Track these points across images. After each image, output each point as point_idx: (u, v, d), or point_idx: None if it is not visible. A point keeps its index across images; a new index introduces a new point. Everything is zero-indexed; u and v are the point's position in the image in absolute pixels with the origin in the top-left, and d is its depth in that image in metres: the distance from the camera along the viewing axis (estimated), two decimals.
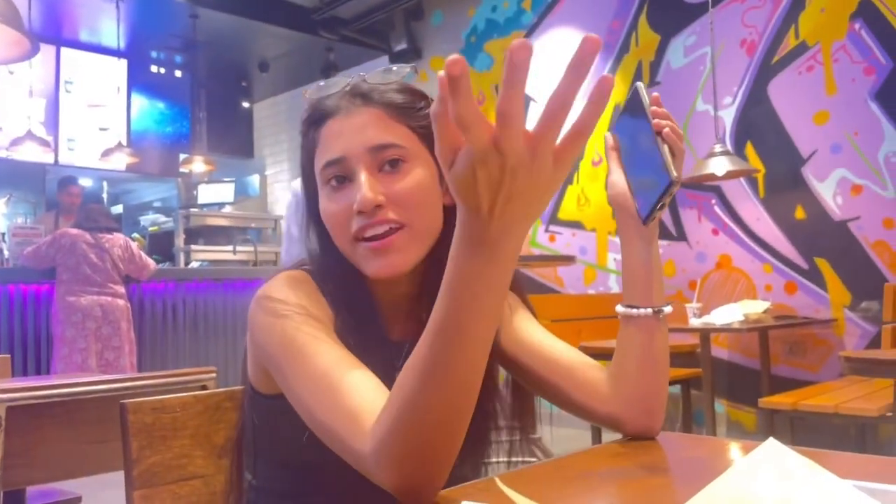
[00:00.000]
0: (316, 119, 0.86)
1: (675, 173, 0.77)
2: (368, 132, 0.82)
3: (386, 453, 0.63)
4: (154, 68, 7.11)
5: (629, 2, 4.65)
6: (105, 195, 7.60)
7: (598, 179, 4.62)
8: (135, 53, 6.76)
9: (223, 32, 6.17)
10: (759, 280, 4.04)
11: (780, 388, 3.30)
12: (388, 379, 0.72)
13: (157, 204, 8.02)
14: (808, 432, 3.07)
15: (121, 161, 5.88)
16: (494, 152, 0.52)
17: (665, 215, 4.38)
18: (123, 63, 6.69)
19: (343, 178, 0.82)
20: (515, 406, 0.95)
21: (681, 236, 4.37)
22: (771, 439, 0.55)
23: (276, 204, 7.64)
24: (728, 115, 4.15)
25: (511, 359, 0.92)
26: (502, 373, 0.94)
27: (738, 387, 4.07)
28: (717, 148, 3.59)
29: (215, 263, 5.84)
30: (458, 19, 5.71)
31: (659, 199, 0.79)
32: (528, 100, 5.20)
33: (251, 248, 5.93)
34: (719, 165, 3.54)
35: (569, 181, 4.79)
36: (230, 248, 5.93)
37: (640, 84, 0.87)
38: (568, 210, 4.88)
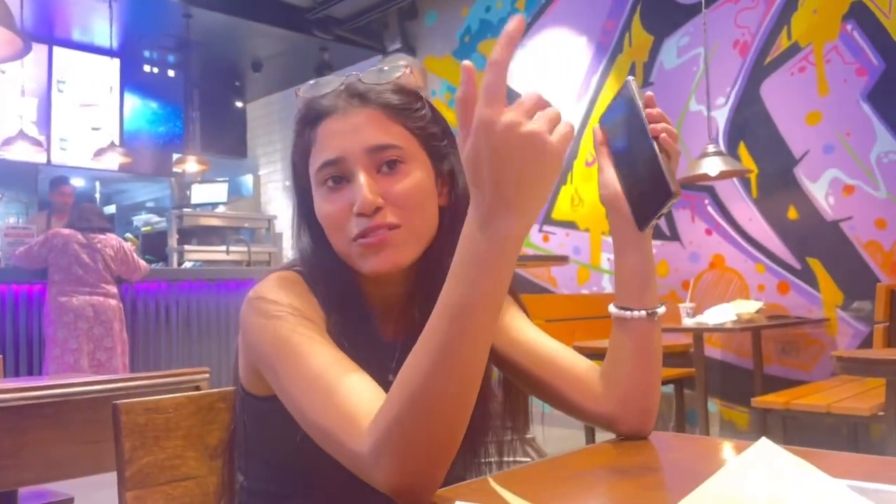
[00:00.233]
0: (312, 118, 0.85)
1: (674, 188, 0.75)
2: (367, 132, 0.82)
3: (386, 449, 0.63)
4: (147, 68, 7.09)
5: (623, 2, 4.66)
6: (98, 195, 7.57)
7: (591, 179, 4.63)
8: (127, 53, 6.74)
9: (216, 32, 6.15)
10: (751, 280, 4.05)
11: (773, 388, 3.31)
12: (379, 380, 0.72)
13: (150, 204, 7.99)
14: (800, 432, 3.08)
15: (113, 161, 5.85)
16: (493, 127, 0.59)
17: None
18: (116, 62, 6.67)
19: (340, 178, 0.82)
20: (508, 406, 0.95)
21: (674, 236, 4.38)
22: (763, 439, 0.56)
23: (269, 204, 7.63)
24: (721, 116, 4.16)
25: (505, 358, 0.92)
26: (495, 372, 0.94)
27: (731, 386, 4.09)
28: (710, 148, 3.61)
29: (208, 264, 5.83)
30: (451, 19, 5.71)
31: (656, 210, 0.78)
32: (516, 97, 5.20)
33: (244, 249, 5.92)
34: (712, 166, 3.55)
35: (562, 181, 4.79)
36: (223, 248, 5.91)
37: (631, 78, 0.83)
38: (561, 210, 4.89)
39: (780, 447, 0.54)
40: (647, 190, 0.78)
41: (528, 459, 1.37)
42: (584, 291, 4.81)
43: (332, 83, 0.85)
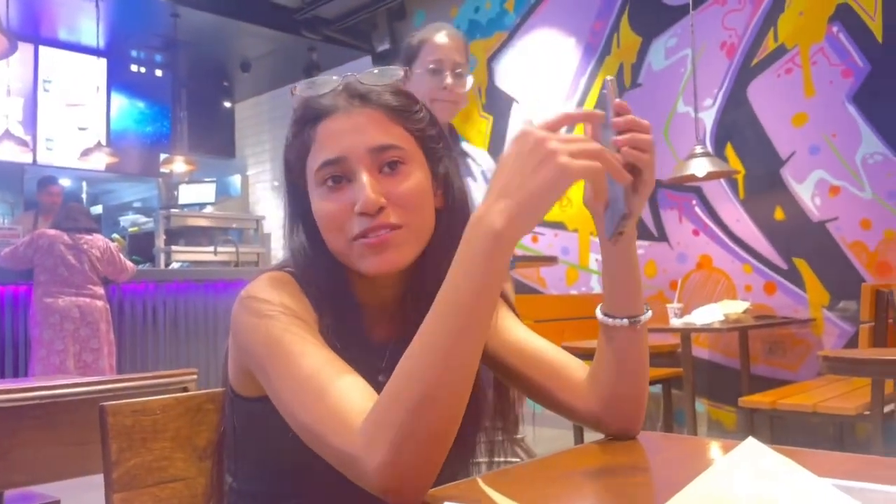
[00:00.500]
0: (311, 117, 0.84)
1: (627, 207, 0.73)
2: (369, 133, 0.82)
3: (381, 443, 0.63)
4: (134, 67, 7.05)
5: (611, 3, 4.67)
6: (84, 195, 7.52)
7: (580, 181, 4.63)
8: (114, 52, 6.70)
9: (204, 32, 6.13)
10: (739, 280, 4.07)
11: (760, 388, 3.33)
12: (370, 381, 0.72)
13: (137, 204, 7.95)
14: (787, 431, 3.10)
15: (100, 161, 5.82)
16: (527, 137, 0.65)
17: (646, 215, 4.41)
18: (103, 62, 6.63)
19: (340, 177, 0.82)
20: (498, 406, 0.96)
21: (662, 237, 4.40)
22: (750, 438, 0.56)
23: (257, 204, 7.60)
24: (708, 117, 4.19)
25: (495, 357, 0.92)
26: (486, 372, 0.94)
27: (719, 386, 4.11)
28: (698, 149, 3.62)
29: (196, 264, 5.80)
30: (440, 20, 5.69)
31: (616, 226, 0.74)
32: (510, 100, 5.22)
33: (233, 249, 5.90)
34: (699, 166, 3.57)
35: None
36: (211, 248, 5.89)
37: (609, 80, 0.78)
38: (551, 211, 4.89)
39: (766, 447, 0.55)
40: (612, 195, 0.76)
41: (518, 460, 1.37)
42: (573, 292, 4.82)
43: (329, 83, 0.84)
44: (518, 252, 4.95)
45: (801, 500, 0.49)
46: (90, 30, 5.92)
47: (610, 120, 0.74)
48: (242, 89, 7.62)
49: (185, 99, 7.11)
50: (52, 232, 4.09)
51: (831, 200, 3.74)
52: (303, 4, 5.92)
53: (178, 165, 6.31)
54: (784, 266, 3.91)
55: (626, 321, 0.83)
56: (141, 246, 6.22)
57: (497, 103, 5.27)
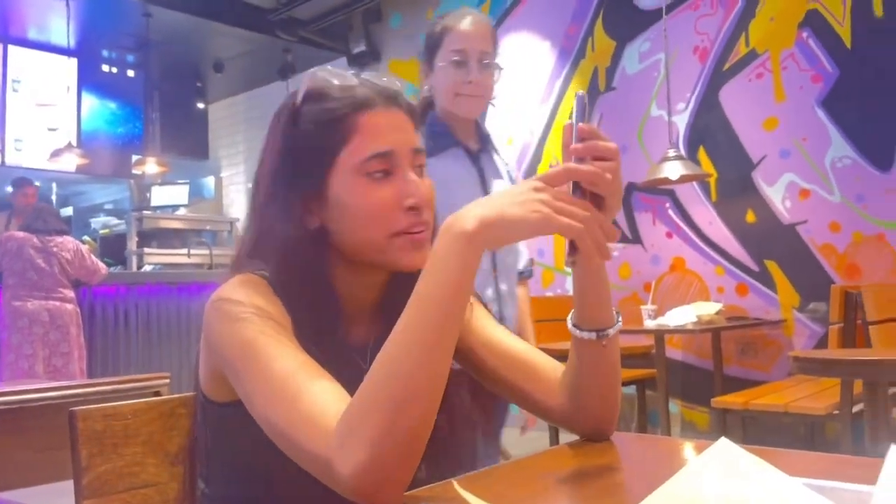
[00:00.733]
0: (350, 106, 0.83)
1: (570, 259, 0.72)
2: (410, 133, 0.86)
3: (356, 443, 0.63)
4: (105, 67, 6.95)
5: (586, 7, 4.71)
6: (54, 197, 7.40)
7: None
8: (85, 52, 6.60)
9: (177, 32, 6.06)
10: (711, 282, 4.12)
11: (733, 388, 3.37)
12: (348, 385, 0.72)
13: (108, 206, 7.84)
14: (759, 431, 3.14)
15: (70, 162, 5.73)
16: (530, 184, 0.69)
17: (620, 218, 4.44)
18: (73, 62, 6.53)
19: (388, 172, 0.83)
20: (475, 407, 0.96)
21: (636, 239, 4.43)
22: (723, 439, 0.57)
23: (231, 206, 7.54)
24: (681, 121, 4.23)
25: (471, 356, 0.93)
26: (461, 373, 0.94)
27: (692, 387, 4.15)
28: (671, 153, 3.66)
29: (169, 267, 5.73)
30: (416, 22, 5.71)
31: (569, 252, 0.72)
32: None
33: (206, 252, 5.84)
34: (673, 170, 3.61)
35: None
36: (185, 251, 5.83)
37: (579, 96, 0.75)
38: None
39: (738, 447, 0.55)
40: None
41: (494, 461, 1.37)
42: (549, 294, 4.85)
43: (346, 76, 0.86)
44: None
45: (773, 499, 0.50)
46: (60, 29, 5.83)
47: (572, 143, 0.73)
48: (216, 90, 7.55)
49: (158, 100, 7.03)
50: (21, 235, 4.03)
51: (801, 203, 3.80)
52: (277, 5, 5.89)
53: (151, 167, 6.24)
54: (756, 268, 3.97)
55: (594, 335, 0.84)
56: (112, 248, 6.13)
57: None
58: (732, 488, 0.51)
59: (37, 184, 5.55)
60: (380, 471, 0.63)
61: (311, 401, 0.69)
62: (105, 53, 6.86)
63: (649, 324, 3.50)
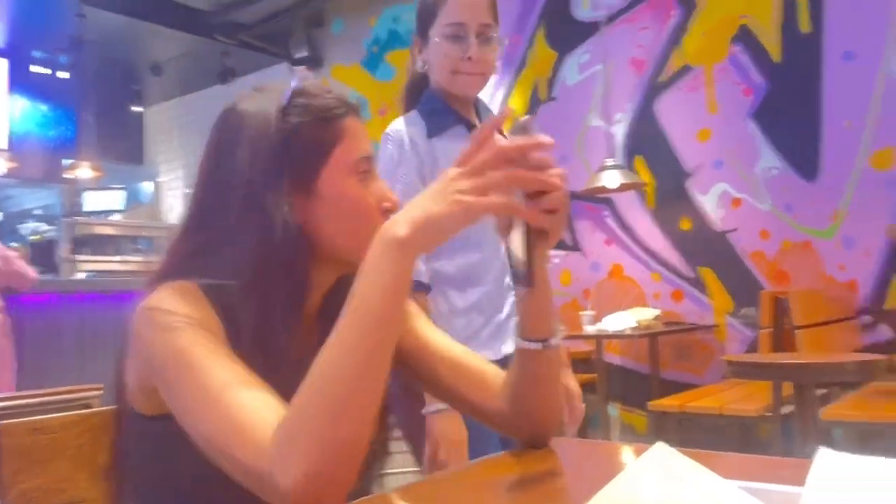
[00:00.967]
0: (346, 107, 0.87)
1: (523, 257, 0.73)
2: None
3: (294, 452, 0.62)
4: (37, 68, 6.71)
5: (527, 18, 4.77)
6: None
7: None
8: (16, 52, 6.37)
9: (112, 33, 5.89)
10: (648, 288, 4.21)
11: (669, 392, 3.45)
12: (287, 392, 0.70)
13: (38, 211, 7.55)
14: (695, 433, 3.22)
15: None
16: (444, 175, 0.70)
17: None
18: (3, 62, 6.30)
19: (368, 174, 0.87)
20: (410, 416, 0.96)
21: (575, 246, 4.50)
22: (659, 443, 0.58)
23: (170, 212, 7.35)
24: (619, 131, 4.32)
25: (409, 359, 0.93)
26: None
27: (630, 391, 4.23)
28: (609, 162, 3.74)
29: (104, 274, 5.55)
30: (359, 28, 5.69)
31: (513, 274, 0.76)
32: None
33: (143, 259, 5.69)
34: (611, 179, 3.69)
35: None
36: (120, 258, 5.66)
37: (523, 122, 0.74)
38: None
39: (674, 450, 0.57)
40: (511, 250, 0.76)
41: (416, 469, 1.36)
42: None
43: (320, 87, 0.89)
44: None
45: (707, 501, 0.51)
46: None
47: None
48: (153, 93, 7.36)
49: (92, 102, 6.81)
50: None
51: (733, 212, 3.92)
52: (217, 8, 5.78)
53: (84, 171, 6.04)
54: (691, 274, 4.08)
55: (539, 345, 0.85)
56: (43, 255, 5.89)
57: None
58: (669, 491, 0.52)
59: None
60: (320, 481, 0.62)
61: (246, 412, 0.67)
62: (37, 54, 6.63)
63: (589, 329, 3.55)
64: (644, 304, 4.04)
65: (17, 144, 6.28)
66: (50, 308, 4.46)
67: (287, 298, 0.81)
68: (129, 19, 5.58)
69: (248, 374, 0.72)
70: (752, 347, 3.75)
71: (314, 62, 5.91)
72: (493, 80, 1.62)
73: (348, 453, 0.64)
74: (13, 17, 5.67)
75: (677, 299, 4.11)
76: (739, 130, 3.89)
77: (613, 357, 4.27)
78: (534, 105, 4.65)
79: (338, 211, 0.83)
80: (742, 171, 3.89)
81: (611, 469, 0.68)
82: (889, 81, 3.45)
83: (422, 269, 1.37)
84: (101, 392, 1.61)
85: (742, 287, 3.87)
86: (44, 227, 6.57)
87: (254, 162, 0.82)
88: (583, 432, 3.96)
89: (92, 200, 6.76)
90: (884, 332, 3.43)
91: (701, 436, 3.28)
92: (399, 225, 0.68)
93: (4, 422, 0.83)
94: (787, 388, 2.65)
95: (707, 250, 4.01)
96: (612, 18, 4.32)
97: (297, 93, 0.85)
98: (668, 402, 3.05)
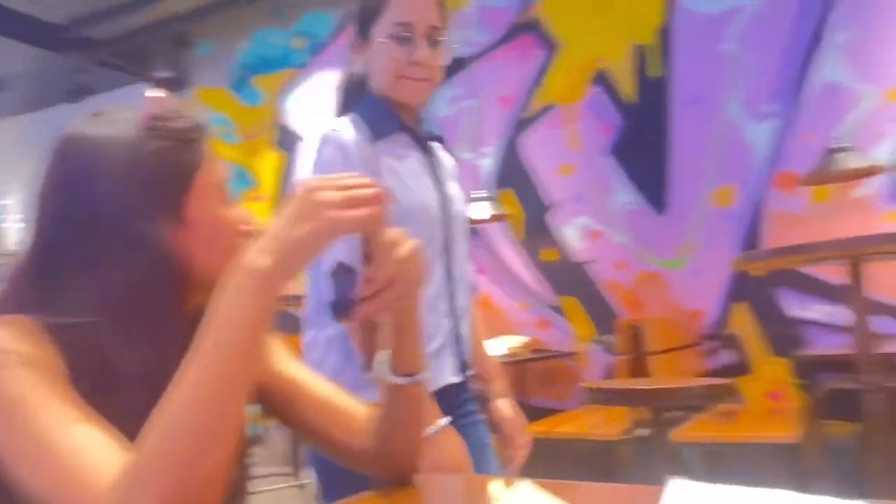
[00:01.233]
0: (203, 130, 0.84)
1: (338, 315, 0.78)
2: None
3: (142, 499, 0.57)
4: None
5: None
6: None
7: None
8: None
9: None
10: (515, 317, 4.33)
11: (536, 417, 3.53)
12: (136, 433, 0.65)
13: None
14: (560, 458, 3.30)
15: None
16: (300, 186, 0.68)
17: None
18: None
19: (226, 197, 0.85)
20: (280, 453, 0.92)
21: None
22: (524, 481, 0.59)
23: (4, 239, 6.78)
24: (488, 164, 4.45)
25: (269, 396, 0.89)
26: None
27: None
28: (478, 194, 3.83)
29: None
30: (226, 51, 5.55)
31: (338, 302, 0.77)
32: (295, 137, 5.17)
33: None
34: (480, 210, 3.78)
35: None
36: None
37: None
38: None
39: (536, 487, 0.58)
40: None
41: None
42: None
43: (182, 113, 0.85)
44: None
45: None
46: None
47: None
48: None
49: None
50: None
51: (593, 243, 4.12)
52: (70, 23, 5.46)
53: None
54: (555, 303, 4.23)
55: (408, 379, 0.84)
56: None
57: (288, 140, 5.20)
58: None
59: None
60: None
61: (82, 458, 0.62)
62: None
63: None
64: (511, 333, 4.15)
65: None
66: None
67: (157, 333, 0.75)
68: None
69: (88, 415, 0.66)
70: (611, 373, 3.93)
71: (178, 83, 5.69)
72: None
73: (204, 493, 0.60)
74: None
75: (543, 327, 4.25)
76: (599, 166, 4.11)
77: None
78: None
79: (209, 236, 0.79)
80: (601, 205, 4.10)
81: None
82: (729, 125, 3.77)
83: None
84: None
85: (602, 315, 4.06)
86: None
87: (118, 194, 0.75)
88: None
89: None
90: (725, 356, 3.71)
91: (566, 460, 3.38)
92: (263, 255, 0.64)
93: None
94: (644, 413, 2.79)
95: (570, 280, 4.18)
96: (481, 54, 4.46)
97: (153, 117, 0.80)
98: (535, 428, 3.12)
